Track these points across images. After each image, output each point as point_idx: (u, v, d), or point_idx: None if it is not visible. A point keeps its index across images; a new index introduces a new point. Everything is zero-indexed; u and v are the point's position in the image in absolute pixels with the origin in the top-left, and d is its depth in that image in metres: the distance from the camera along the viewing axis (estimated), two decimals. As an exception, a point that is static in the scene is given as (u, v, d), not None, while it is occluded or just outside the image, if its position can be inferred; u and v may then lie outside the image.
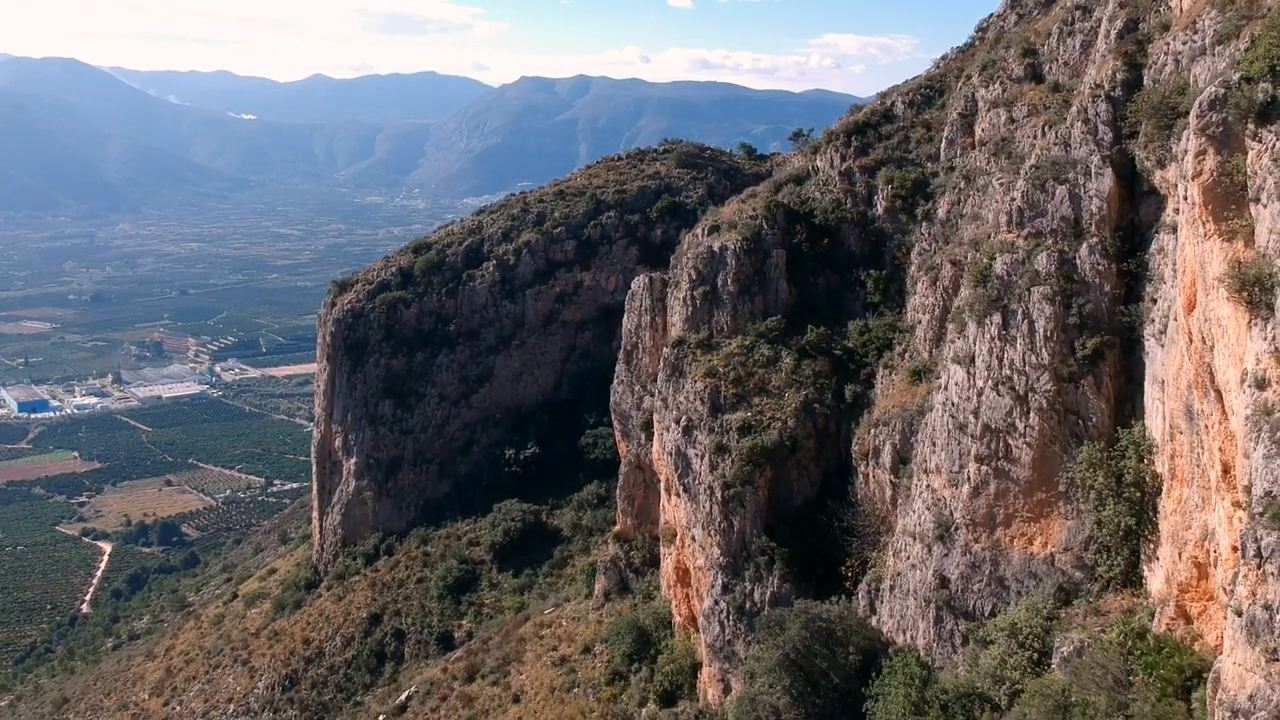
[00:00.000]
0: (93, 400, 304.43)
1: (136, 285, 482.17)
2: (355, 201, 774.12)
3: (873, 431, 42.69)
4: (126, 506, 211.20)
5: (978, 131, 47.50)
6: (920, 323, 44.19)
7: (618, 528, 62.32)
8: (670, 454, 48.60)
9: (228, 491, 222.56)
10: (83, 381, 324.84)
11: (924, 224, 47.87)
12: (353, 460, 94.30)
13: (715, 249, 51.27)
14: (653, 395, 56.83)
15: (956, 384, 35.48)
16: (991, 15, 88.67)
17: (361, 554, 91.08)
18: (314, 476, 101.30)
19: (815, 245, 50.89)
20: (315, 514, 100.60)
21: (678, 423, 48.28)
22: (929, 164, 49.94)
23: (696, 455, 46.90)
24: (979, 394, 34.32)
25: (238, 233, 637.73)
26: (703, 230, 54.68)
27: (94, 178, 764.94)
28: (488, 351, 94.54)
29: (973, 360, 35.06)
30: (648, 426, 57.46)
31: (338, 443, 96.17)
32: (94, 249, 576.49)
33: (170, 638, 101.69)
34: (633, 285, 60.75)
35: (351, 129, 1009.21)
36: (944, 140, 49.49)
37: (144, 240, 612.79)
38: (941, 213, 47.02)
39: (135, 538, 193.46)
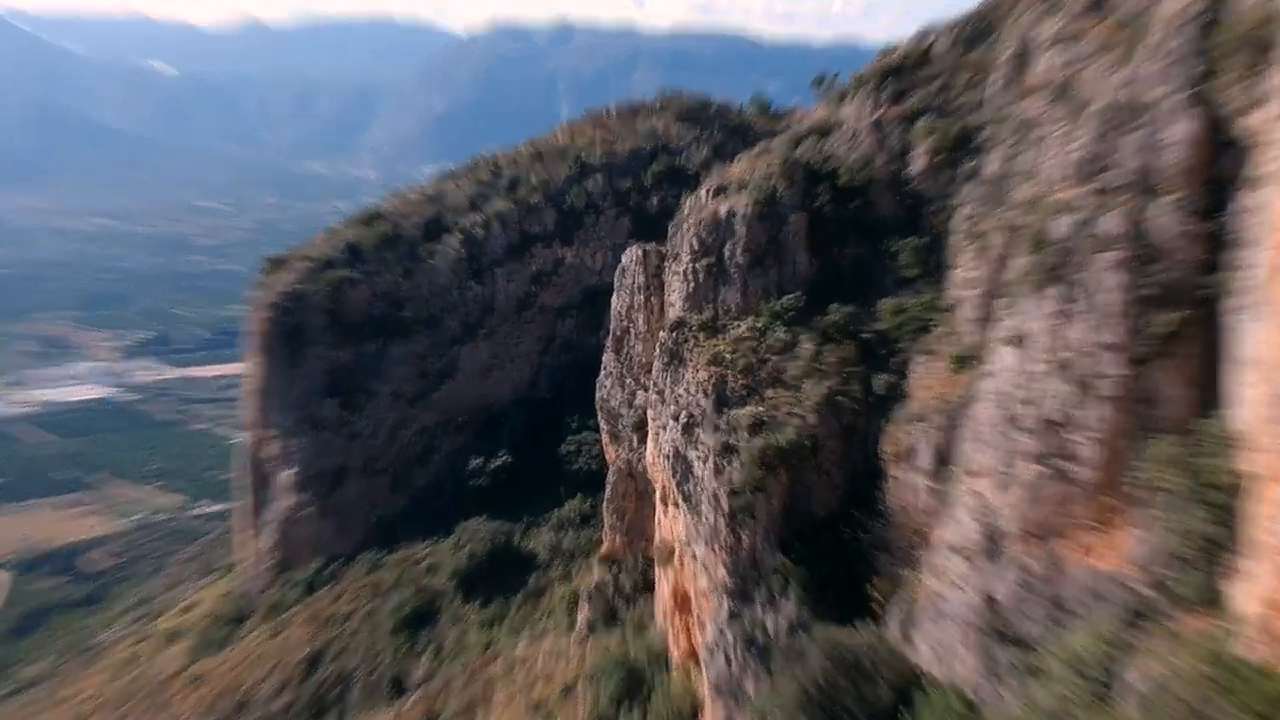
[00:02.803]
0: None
1: (34, 269, 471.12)
2: (293, 170, 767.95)
3: (908, 428, 42.83)
4: (21, 531, 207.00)
5: (1033, 75, 47.68)
6: (965, 301, 44.35)
7: (605, 548, 62.48)
8: (667, 457, 48.69)
9: (141, 514, 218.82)
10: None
11: (970, 185, 48.01)
12: (290, 471, 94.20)
13: (722, 214, 51.36)
14: (646, 390, 56.98)
15: (1007, 370, 35.56)
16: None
17: (300, 582, 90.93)
18: (244, 490, 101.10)
19: (840, 209, 51.00)
20: (246, 534, 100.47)
21: (676, 419, 48.36)
22: (976, 114, 50.07)
23: (699, 458, 46.97)
24: (1033, 381, 34.38)
25: (154, 206, 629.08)
26: (707, 192, 54.69)
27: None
28: (451, 341, 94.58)
29: (1027, 341, 35.14)
30: (640, 427, 57.58)
31: (272, 450, 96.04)
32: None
33: (73, 683, 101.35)
34: (623, 258, 60.89)
35: (290, 85, 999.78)
36: (994, 86, 49.62)
37: (41, 215, 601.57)
38: (991, 171, 47.15)
39: (31, 567, 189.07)
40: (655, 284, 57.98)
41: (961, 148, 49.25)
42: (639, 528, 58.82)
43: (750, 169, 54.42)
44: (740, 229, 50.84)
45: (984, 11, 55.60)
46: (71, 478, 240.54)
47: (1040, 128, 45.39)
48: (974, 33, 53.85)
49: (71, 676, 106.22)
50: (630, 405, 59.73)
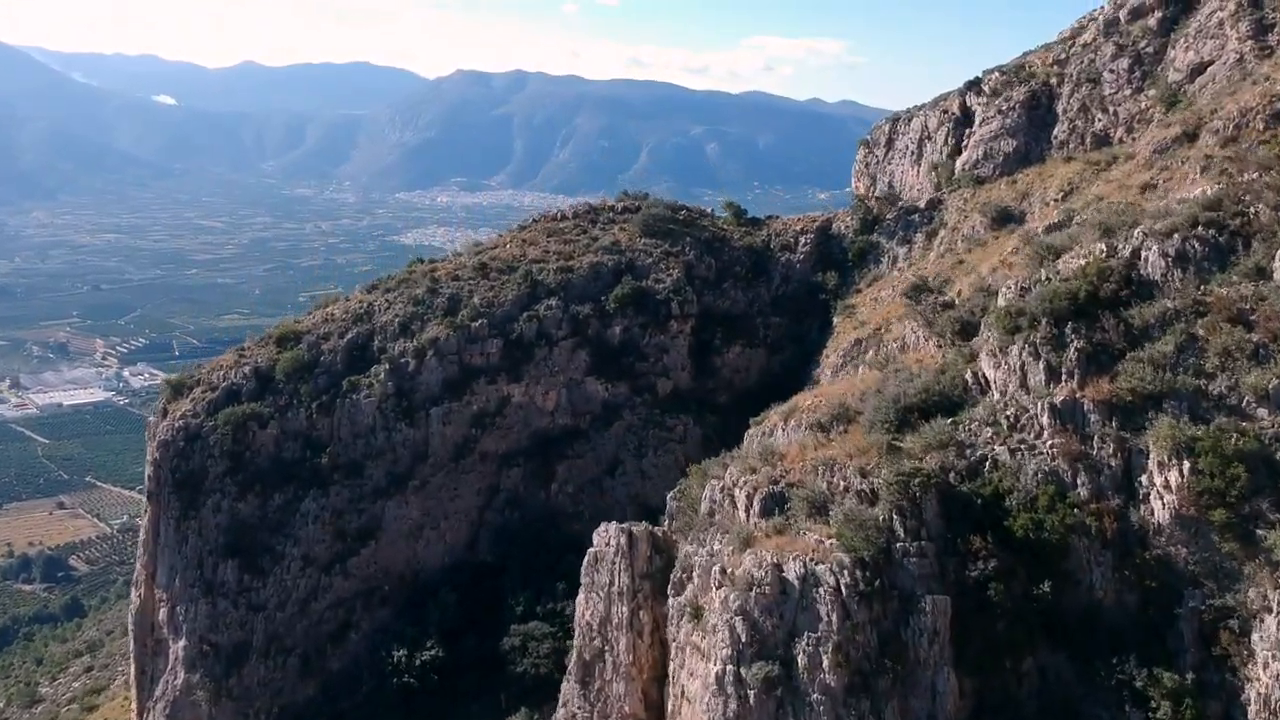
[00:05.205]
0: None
1: (46, 279, 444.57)
2: (283, 193, 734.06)
3: None
4: (11, 533, 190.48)
5: None
6: None
7: None
8: None
9: (125, 517, 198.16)
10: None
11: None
12: (181, 643, 64.26)
13: (792, 579, 22.58)
14: (631, 758, 28.49)
15: None
16: (1076, 42, 63.06)
17: (189, 782, 61.84)
18: (132, 657, 71.00)
19: (1015, 586, 22.22)
20: (134, 707, 70.40)
21: None
22: (1264, 412, 21.87)
23: None
24: None
25: (159, 224, 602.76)
26: (749, 500, 25.67)
27: (8, 163, 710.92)
28: (375, 494, 64.89)
29: None
30: (622, 824, 28.99)
31: (162, 615, 66.05)
32: (2, 239, 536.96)
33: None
34: (595, 539, 31.53)
35: (281, 118, 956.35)
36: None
37: (58, 230, 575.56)
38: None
39: (16, 572, 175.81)
40: (648, 590, 29.08)
41: (1257, 491, 20.88)
42: None
43: (826, 470, 25.18)
44: (827, 615, 21.91)
45: (1214, 201, 26.71)
46: (62, 480, 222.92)
47: None
48: (1215, 245, 25.09)
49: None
50: (605, 775, 30.84)
